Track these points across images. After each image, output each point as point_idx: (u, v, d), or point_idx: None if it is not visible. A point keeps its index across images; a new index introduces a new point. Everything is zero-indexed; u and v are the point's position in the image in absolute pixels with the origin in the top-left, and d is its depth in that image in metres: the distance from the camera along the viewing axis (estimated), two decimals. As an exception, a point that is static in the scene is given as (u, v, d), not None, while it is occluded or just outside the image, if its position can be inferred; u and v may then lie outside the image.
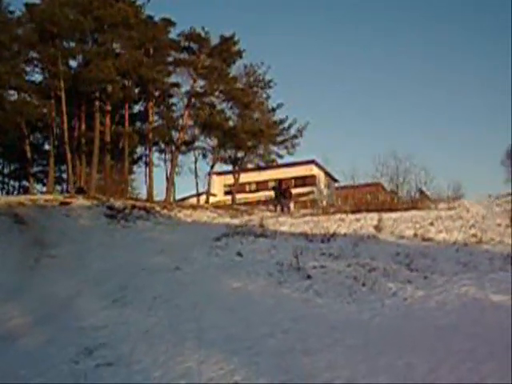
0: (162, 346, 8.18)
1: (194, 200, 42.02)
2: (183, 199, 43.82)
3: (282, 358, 7.28)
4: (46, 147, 39.90)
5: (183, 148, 40.62)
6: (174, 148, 39.39)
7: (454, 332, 7.72)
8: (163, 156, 41.93)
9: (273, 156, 43.58)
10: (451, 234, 14.75)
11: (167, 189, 38.05)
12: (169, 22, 38.47)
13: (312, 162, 52.81)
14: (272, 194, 31.67)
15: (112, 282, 12.38)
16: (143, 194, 38.05)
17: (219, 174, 50.85)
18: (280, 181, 33.46)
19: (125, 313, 10.17)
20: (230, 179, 47.28)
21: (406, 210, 20.16)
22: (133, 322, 9.55)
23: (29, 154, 36.94)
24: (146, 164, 39.83)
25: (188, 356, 7.63)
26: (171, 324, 9.23)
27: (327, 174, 53.22)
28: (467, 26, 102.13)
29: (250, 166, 46.19)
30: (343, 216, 19.38)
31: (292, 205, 30.99)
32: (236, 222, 20.69)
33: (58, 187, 40.40)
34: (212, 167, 42.91)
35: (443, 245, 13.67)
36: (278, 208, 28.60)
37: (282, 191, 29.53)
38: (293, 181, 48.96)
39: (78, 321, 9.95)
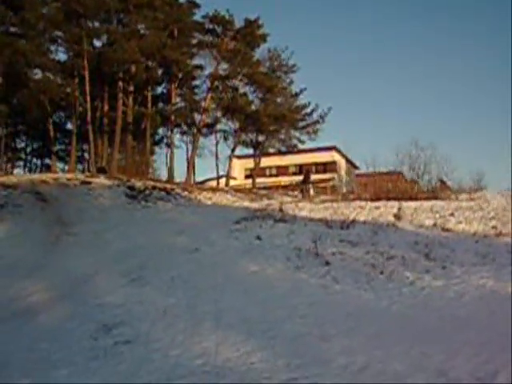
0: (180, 325, 8.28)
1: (213, 183, 42.11)
2: (203, 181, 43.93)
3: (298, 342, 7.34)
4: (69, 126, 40.33)
5: (205, 130, 40.71)
6: (195, 130, 39.50)
7: (471, 323, 7.72)
8: (184, 138, 42.20)
9: (294, 141, 43.46)
10: (471, 225, 14.65)
11: (188, 171, 38.24)
12: (193, 4, 38.49)
13: (333, 148, 52.50)
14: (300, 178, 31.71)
15: (131, 261, 12.51)
16: (164, 176, 38.29)
17: (240, 157, 50.79)
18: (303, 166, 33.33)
19: (143, 292, 10.29)
20: (250, 163, 47.18)
21: (427, 199, 20.06)
22: (151, 302, 9.66)
23: (51, 133, 37.24)
24: (168, 145, 40.09)
25: (205, 336, 7.72)
26: (189, 305, 9.33)
27: (348, 160, 52.99)
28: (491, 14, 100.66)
29: (271, 150, 46.06)
30: (363, 203, 19.35)
31: (312, 190, 30.93)
32: (255, 205, 20.76)
33: (80, 166, 40.87)
34: (233, 150, 42.94)
35: (462, 236, 13.59)
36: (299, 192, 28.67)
37: (303, 176, 29.57)
38: (314, 166, 48.87)
39: (97, 298, 10.09)
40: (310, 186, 29.71)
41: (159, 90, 41.55)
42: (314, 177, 35.22)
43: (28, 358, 7.47)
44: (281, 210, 18.17)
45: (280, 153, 45.86)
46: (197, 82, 41.41)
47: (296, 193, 29.80)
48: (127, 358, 7.23)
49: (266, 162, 47.98)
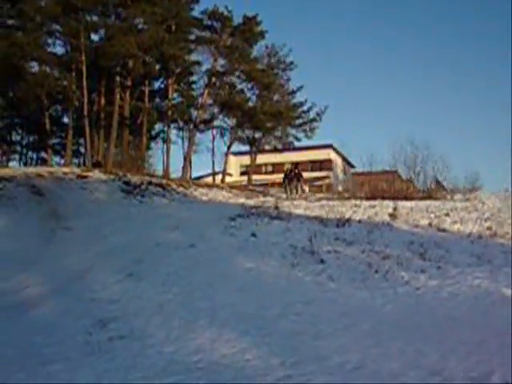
0: (175, 322, 8.29)
1: (209, 179, 42.03)
2: (199, 177, 43.85)
3: (293, 340, 7.36)
4: (65, 120, 39.99)
5: (201, 126, 40.53)
6: (192, 126, 39.34)
7: (465, 323, 7.76)
8: (181, 133, 41.94)
9: (290, 138, 43.39)
10: (466, 225, 14.70)
11: (184, 166, 38.10)
12: (192, 0, 38.31)
13: (329, 146, 52.51)
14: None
15: (127, 256, 12.51)
16: (159, 171, 38.13)
17: (236, 154, 50.74)
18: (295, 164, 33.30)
19: (139, 287, 10.30)
20: (246, 160, 47.08)
21: (422, 199, 20.13)
22: (146, 297, 9.68)
23: (48, 126, 36.97)
24: (164, 141, 39.88)
25: (201, 333, 7.73)
26: (185, 301, 9.34)
27: (344, 159, 52.97)
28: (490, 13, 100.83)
29: (267, 147, 45.96)
30: (358, 202, 19.39)
31: (307, 188, 30.91)
32: (251, 202, 20.75)
33: (76, 160, 40.63)
34: (229, 147, 42.82)
35: (458, 236, 13.64)
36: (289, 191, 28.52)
37: (294, 174, 29.43)
38: (309, 164, 48.87)
39: (93, 293, 10.10)
40: (303, 183, 29.66)
41: (156, 85, 41.32)
42: (308, 174, 35.07)
43: (22, 351, 7.47)
44: (276, 207, 18.18)
45: (276, 150, 45.72)
46: (194, 78, 41.26)
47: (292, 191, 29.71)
48: (122, 354, 7.23)
49: (261, 159, 47.90)
